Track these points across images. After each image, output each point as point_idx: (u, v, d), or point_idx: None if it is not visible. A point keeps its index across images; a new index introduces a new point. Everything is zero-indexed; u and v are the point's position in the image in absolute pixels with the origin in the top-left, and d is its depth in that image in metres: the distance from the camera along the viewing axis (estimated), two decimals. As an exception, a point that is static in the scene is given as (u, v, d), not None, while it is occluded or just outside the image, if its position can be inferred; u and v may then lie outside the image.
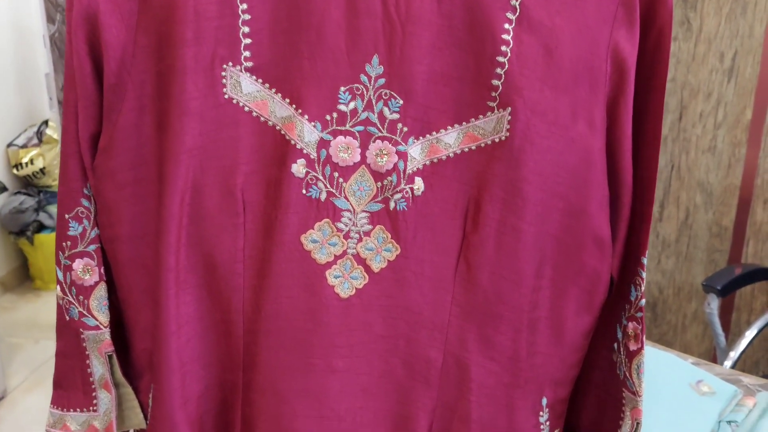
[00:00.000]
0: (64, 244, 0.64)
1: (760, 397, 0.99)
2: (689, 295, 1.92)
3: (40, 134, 2.87)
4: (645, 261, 0.64)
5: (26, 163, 2.81)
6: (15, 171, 2.84)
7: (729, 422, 0.93)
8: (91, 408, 0.66)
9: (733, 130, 1.75)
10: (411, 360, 0.62)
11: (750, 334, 1.46)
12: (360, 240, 0.61)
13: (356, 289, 0.62)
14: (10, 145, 2.82)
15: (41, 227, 2.81)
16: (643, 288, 0.65)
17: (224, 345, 0.64)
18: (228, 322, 0.63)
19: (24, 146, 2.84)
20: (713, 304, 1.48)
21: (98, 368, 0.65)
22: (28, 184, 2.89)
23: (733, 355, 1.43)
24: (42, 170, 2.84)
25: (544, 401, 0.66)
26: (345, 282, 0.62)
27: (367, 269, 0.62)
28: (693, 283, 1.89)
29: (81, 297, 0.64)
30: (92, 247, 0.64)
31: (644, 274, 0.64)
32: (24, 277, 3.05)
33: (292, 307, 0.61)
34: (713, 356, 1.76)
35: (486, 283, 0.61)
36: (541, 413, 0.66)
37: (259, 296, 0.61)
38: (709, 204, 1.82)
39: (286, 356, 0.62)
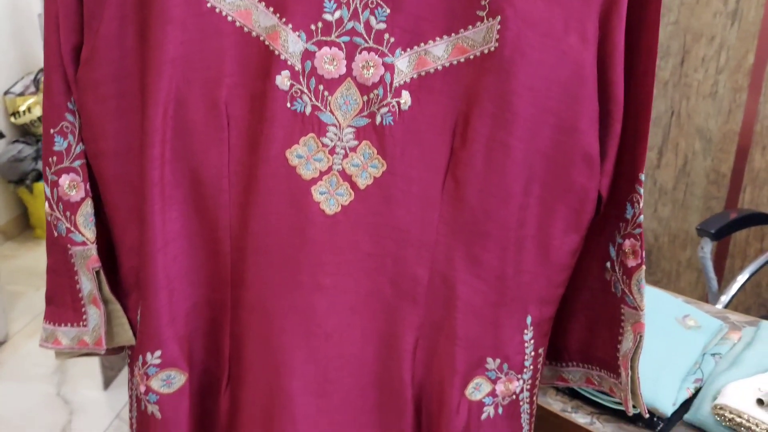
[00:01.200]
0: (50, 159, 0.63)
1: (746, 332, 1.01)
2: (684, 242, 1.92)
3: (36, 82, 2.85)
4: (642, 178, 0.64)
5: (24, 111, 2.80)
6: (13, 119, 2.83)
7: (713, 354, 0.94)
8: (80, 323, 0.67)
9: (735, 74, 1.73)
10: (398, 278, 0.63)
11: (742, 278, 1.46)
12: (346, 156, 0.61)
13: (342, 206, 0.61)
14: (7, 93, 2.80)
15: (40, 176, 2.81)
16: (641, 205, 0.64)
17: (212, 263, 0.64)
18: (215, 239, 0.63)
19: (21, 94, 2.82)
20: (707, 248, 1.48)
21: (86, 284, 0.65)
22: (26, 133, 2.88)
23: (724, 299, 1.44)
24: (39, 118, 2.82)
25: (529, 319, 0.66)
26: (331, 199, 0.61)
27: (353, 186, 0.61)
28: (688, 230, 1.90)
29: (68, 213, 0.64)
30: (78, 162, 0.64)
31: (642, 191, 0.64)
32: (24, 226, 3.06)
33: (279, 224, 0.61)
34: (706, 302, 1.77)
35: (473, 200, 0.61)
36: (525, 331, 0.66)
37: (245, 213, 0.61)
38: (708, 151, 1.81)
39: (273, 273, 0.62)
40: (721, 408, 0.81)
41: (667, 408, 0.82)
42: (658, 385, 0.84)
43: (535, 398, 0.71)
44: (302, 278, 0.61)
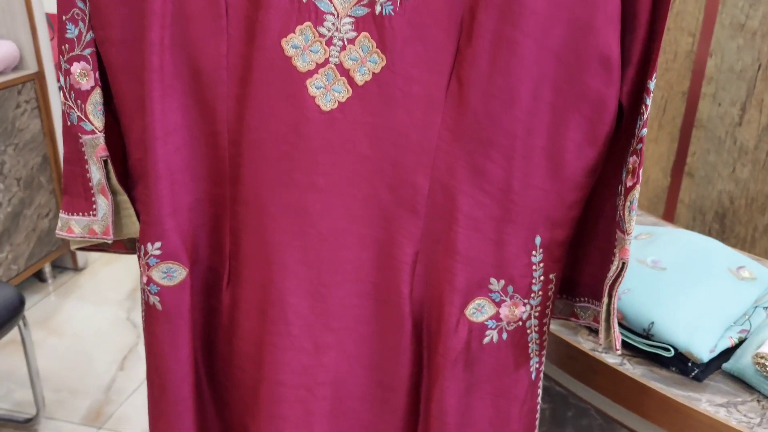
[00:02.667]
0: (63, 47, 0.65)
1: (807, 287, 0.93)
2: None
3: None
4: (652, 86, 0.58)
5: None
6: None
7: (765, 308, 0.88)
8: (90, 212, 0.69)
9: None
10: (397, 185, 0.61)
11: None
12: (343, 48, 0.59)
13: (339, 102, 0.59)
14: None
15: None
16: (645, 116, 0.59)
17: (212, 157, 0.64)
18: (214, 133, 0.63)
19: None
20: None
21: (95, 173, 0.67)
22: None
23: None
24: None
25: (538, 240, 0.63)
26: (327, 94, 0.59)
27: (351, 81, 0.59)
28: (768, 193, 1.77)
29: (79, 101, 0.65)
30: (88, 51, 0.65)
31: (649, 101, 0.59)
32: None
33: (274, 118, 0.60)
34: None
35: (477, 103, 0.57)
36: (534, 253, 0.63)
37: (242, 106, 0.61)
38: (797, 106, 1.67)
39: (268, 169, 0.61)
40: (762, 357, 0.76)
41: (704, 354, 0.78)
42: (697, 331, 0.79)
43: (545, 328, 0.68)
44: (296, 176, 0.61)
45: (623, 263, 0.62)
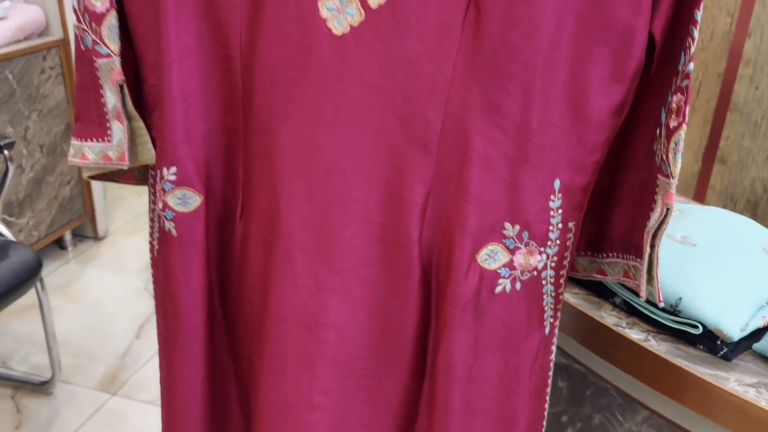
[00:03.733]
0: None
1: None
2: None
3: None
4: (699, 16, 0.54)
5: None
6: None
7: (802, 288, 0.84)
8: (105, 138, 0.67)
9: None
10: (408, 119, 0.58)
11: None
12: None
13: (351, 26, 0.57)
14: None
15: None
16: (692, 50, 0.55)
17: (226, 83, 0.62)
18: (227, 57, 0.61)
19: None
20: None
21: (111, 98, 0.66)
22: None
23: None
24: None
25: (557, 184, 0.59)
26: (339, 16, 0.57)
27: (364, 4, 0.56)
28: (806, 180, 1.70)
29: (93, 24, 0.64)
30: None
31: (696, 34, 0.54)
32: (132, 138, 3.26)
33: (285, 42, 0.58)
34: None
35: (496, 32, 0.54)
36: (552, 197, 0.60)
37: (254, 29, 0.59)
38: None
39: (276, 96, 0.59)
40: (797, 337, 0.72)
41: (734, 331, 0.74)
42: (727, 307, 0.75)
43: (562, 281, 0.65)
44: (304, 105, 0.58)
45: (668, 209, 0.58)
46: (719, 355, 0.75)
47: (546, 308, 0.65)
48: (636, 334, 0.79)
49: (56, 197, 2.19)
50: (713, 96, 1.72)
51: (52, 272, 2.24)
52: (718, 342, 0.75)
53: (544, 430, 0.70)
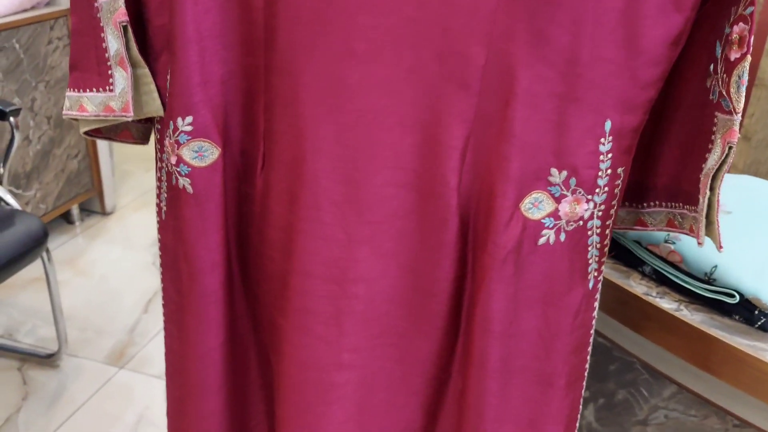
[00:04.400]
0: None
1: None
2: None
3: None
4: None
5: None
6: None
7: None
8: (107, 88, 0.63)
9: None
10: (447, 55, 0.53)
11: None
12: None
13: None
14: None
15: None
16: None
17: (245, 21, 0.58)
18: None
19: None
20: None
21: (113, 43, 0.61)
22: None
23: None
24: None
25: (608, 126, 0.55)
26: None
27: None
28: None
29: None
30: None
31: None
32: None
33: None
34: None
35: None
36: (602, 140, 0.55)
37: None
38: None
39: (302, 32, 0.55)
40: (842, 307, 0.68)
41: (773, 301, 0.70)
42: (765, 275, 0.71)
43: (608, 232, 0.60)
44: (332, 41, 0.54)
45: (730, 147, 0.53)
46: (757, 325, 0.71)
47: (591, 261, 0.60)
48: (667, 304, 0.75)
49: (63, 170, 2.17)
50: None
51: (59, 246, 2.22)
52: (756, 312, 0.71)
53: (584, 389, 0.66)
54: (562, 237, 0.58)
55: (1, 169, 1.56)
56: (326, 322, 0.60)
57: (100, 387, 1.63)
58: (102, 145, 2.27)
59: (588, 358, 0.65)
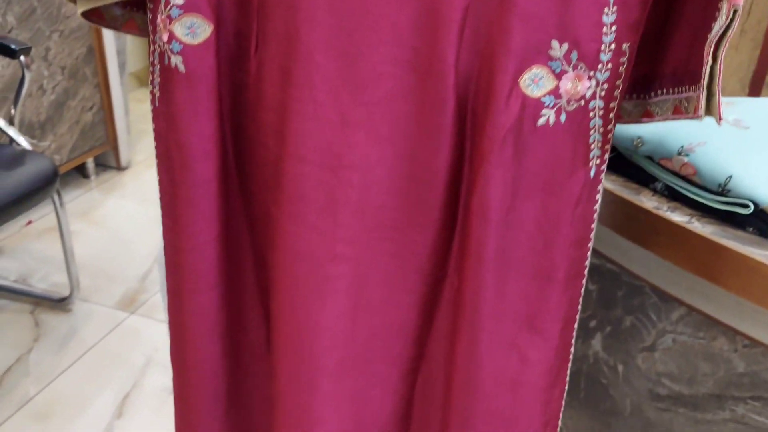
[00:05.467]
0: None
1: None
2: None
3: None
4: None
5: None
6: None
7: None
8: None
9: None
10: None
11: None
12: None
13: None
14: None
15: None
16: None
17: None
18: None
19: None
20: None
21: None
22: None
23: None
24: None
25: None
26: None
27: None
28: None
29: None
30: None
31: None
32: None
33: None
34: None
35: None
36: (606, 11, 0.52)
37: None
38: None
39: None
40: None
41: (790, 211, 0.67)
42: (783, 185, 0.68)
43: (611, 116, 0.58)
44: None
45: (735, 11, 0.50)
46: (771, 237, 0.68)
47: (593, 146, 0.58)
48: (678, 217, 0.72)
49: (78, 122, 2.17)
50: (765, 17, 1.60)
51: (74, 199, 2.23)
52: (771, 223, 0.68)
53: (583, 287, 0.64)
54: (563, 118, 0.55)
55: (13, 111, 1.56)
56: (320, 211, 0.59)
57: (111, 330, 1.64)
58: (117, 98, 2.27)
59: (589, 254, 0.63)
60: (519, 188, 0.56)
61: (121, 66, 2.29)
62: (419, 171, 0.58)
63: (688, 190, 0.73)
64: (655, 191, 0.77)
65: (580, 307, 0.64)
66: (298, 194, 0.59)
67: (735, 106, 0.83)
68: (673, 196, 0.75)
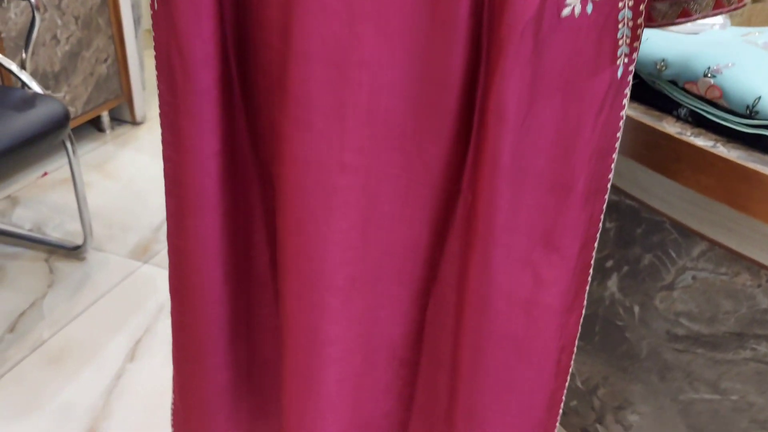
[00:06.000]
0: None
1: None
2: None
3: None
4: None
5: None
6: None
7: None
8: None
9: None
10: None
11: None
12: None
13: None
14: None
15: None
16: None
17: None
18: None
19: None
20: None
21: None
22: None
23: None
24: None
25: None
26: None
27: None
28: None
29: None
30: None
31: None
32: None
33: None
34: None
35: None
36: None
37: None
38: None
39: None
40: None
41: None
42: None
43: (642, 8, 0.53)
44: None
45: None
46: (802, 161, 0.64)
47: (620, 42, 0.53)
48: (702, 142, 0.68)
49: (92, 74, 2.15)
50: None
51: (89, 152, 2.23)
52: (803, 146, 0.64)
53: (605, 205, 0.60)
54: (589, 8, 0.50)
55: (24, 54, 1.54)
56: (327, 114, 0.56)
57: (124, 278, 1.65)
58: (131, 51, 2.25)
59: (612, 168, 0.59)
60: (539, 87, 0.52)
61: (136, 21, 2.26)
62: (433, 70, 0.54)
63: (714, 114, 0.69)
64: (678, 118, 0.73)
65: (600, 226, 0.61)
66: (304, 96, 0.56)
67: (765, 32, 0.78)
68: (697, 121, 0.71)
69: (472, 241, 0.58)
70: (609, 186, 0.60)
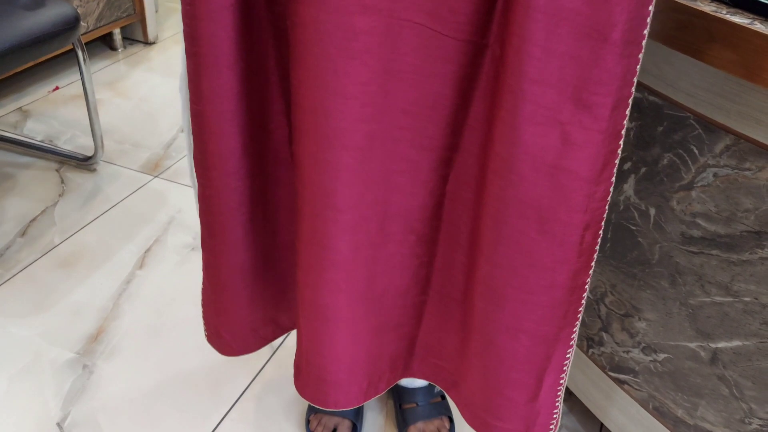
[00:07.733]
0: None
1: None
2: None
3: None
4: None
5: None
6: None
7: None
8: None
9: None
10: None
11: None
12: None
13: None
14: None
15: None
16: None
17: None
18: None
19: None
20: None
21: None
22: None
23: None
24: None
25: None
26: None
27: None
28: None
29: None
30: None
31: None
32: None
33: None
34: None
35: None
36: None
37: None
38: None
39: None
40: None
41: None
42: None
43: None
44: None
45: None
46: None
47: None
48: (739, 18, 0.65)
49: (104, -12, 2.11)
50: None
51: (101, 69, 2.20)
52: None
53: (639, 62, 0.56)
54: None
55: (34, -46, 1.50)
56: (341, 28, 0.53)
57: (135, 190, 1.64)
58: (143, -34, 2.19)
59: (649, 21, 0.54)
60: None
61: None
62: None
63: (752, -6, 0.65)
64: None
65: (633, 91, 0.57)
66: None
67: None
68: (735, 2, 0.68)
69: (499, 96, 0.55)
70: (644, 43, 0.56)
